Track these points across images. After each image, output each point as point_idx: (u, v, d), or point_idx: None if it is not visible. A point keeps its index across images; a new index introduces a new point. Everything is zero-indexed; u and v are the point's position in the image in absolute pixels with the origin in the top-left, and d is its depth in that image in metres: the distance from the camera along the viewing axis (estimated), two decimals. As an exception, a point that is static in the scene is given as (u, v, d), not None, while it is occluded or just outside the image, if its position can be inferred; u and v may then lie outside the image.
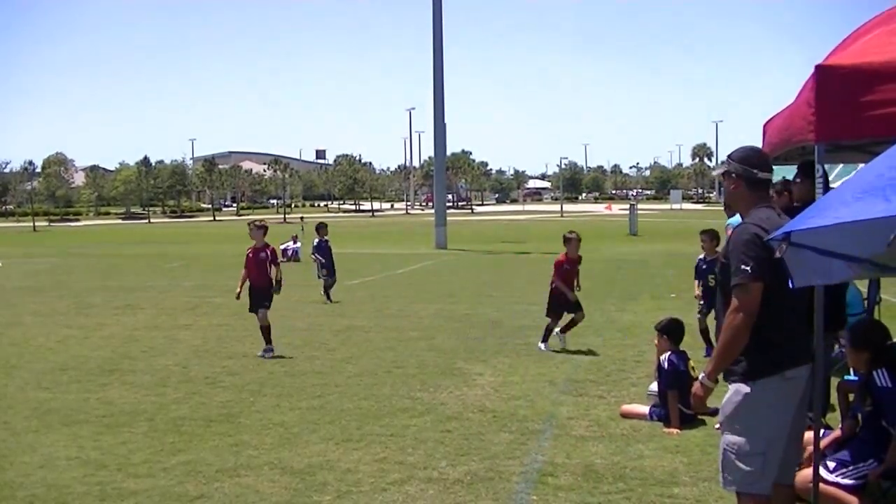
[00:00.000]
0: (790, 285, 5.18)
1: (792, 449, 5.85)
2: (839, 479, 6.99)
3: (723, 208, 13.38)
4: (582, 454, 9.28)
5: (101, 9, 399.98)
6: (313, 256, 25.85)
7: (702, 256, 15.08)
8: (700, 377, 5.86)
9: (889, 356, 7.46)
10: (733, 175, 5.92)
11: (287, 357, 15.42)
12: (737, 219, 12.24)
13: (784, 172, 14.09)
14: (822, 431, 6.99)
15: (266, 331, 15.72)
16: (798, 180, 9.08)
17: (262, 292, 15.91)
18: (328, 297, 24.64)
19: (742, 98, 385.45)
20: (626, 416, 10.81)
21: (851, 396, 8.19)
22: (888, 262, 5.38)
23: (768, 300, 5.48)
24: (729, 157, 6.04)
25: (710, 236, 14.93)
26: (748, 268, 5.46)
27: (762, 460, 5.59)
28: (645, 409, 10.80)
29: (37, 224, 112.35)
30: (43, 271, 38.94)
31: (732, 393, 5.71)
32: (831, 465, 7.10)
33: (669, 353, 10.92)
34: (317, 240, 25.64)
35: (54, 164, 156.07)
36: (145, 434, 10.42)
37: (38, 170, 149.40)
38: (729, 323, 5.53)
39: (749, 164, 5.86)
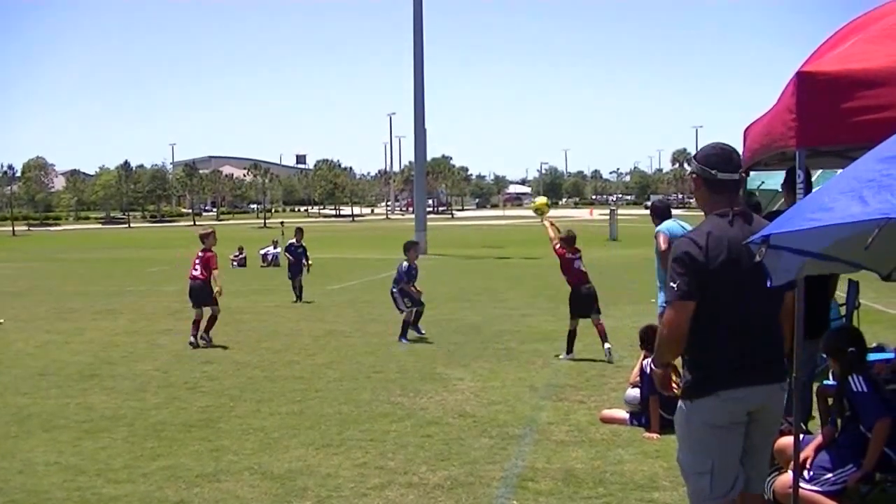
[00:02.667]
0: (768, 285, 5.08)
1: (756, 463, 5.63)
2: (816, 488, 7.01)
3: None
4: (562, 459, 9.29)
5: (82, 13, 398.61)
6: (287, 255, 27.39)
7: (406, 264, 18.43)
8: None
9: (863, 361, 7.50)
10: (694, 175, 5.64)
11: (267, 362, 15.40)
12: (664, 226, 12.30)
13: (764, 178, 14.19)
14: (801, 437, 7.01)
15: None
16: (781, 189, 9.15)
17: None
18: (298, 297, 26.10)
19: (722, 103, 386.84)
20: (605, 421, 10.82)
21: (831, 401, 8.21)
22: (864, 263, 5.40)
23: (697, 320, 5.27)
24: (693, 156, 5.75)
25: (416, 249, 18.40)
26: (675, 286, 5.27)
27: (709, 479, 5.39)
28: (625, 415, 10.81)
29: (16, 229, 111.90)
30: (22, 276, 38.79)
31: (677, 410, 5.61)
32: (807, 474, 7.11)
33: (651, 358, 10.92)
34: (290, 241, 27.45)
35: (34, 168, 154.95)
36: (125, 439, 10.39)
37: (18, 174, 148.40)
38: (658, 336, 5.51)
39: (708, 164, 5.52)
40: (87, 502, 8.19)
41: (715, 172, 5.48)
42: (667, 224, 12.16)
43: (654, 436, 10.14)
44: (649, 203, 14.42)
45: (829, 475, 7.08)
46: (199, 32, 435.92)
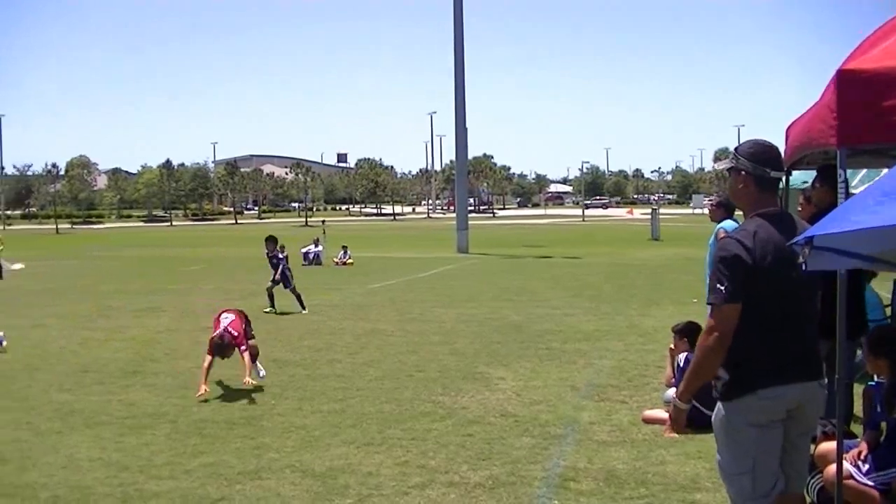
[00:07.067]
0: (803, 269, 4.98)
1: (795, 462, 5.52)
2: (868, 480, 6.93)
3: (709, 210, 13.39)
4: (604, 459, 9.26)
5: (124, 12, 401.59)
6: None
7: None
8: (673, 398, 5.72)
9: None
10: (742, 172, 5.41)
11: (309, 360, 15.46)
12: (728, 224, 12.23)
13: (807, 177, 14.07)
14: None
15: None
16: (817, 185, 9.06)
17: None
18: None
19: (764, 102, 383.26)
20: (647, 421, 10.75)
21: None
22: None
23: (738, 320, 5.16)
24: (736, 150, 5.50)
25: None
26: (723, 288, 5.13)
27: (750, 479, 5.31)
28: (666, 415, 10.73)
29: (59, 227, 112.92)
30: (65, 274, 39.09)
31: (715, 412, 5.50)
32: (864, 467, 7.03)
33: (687, 353, 10.85)
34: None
35: (77, 166, 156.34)
36: (167, 436, 10.46)
37: (62, 172, 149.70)
38: (701, 343, 5.25)
39: (760, 161, 5.35)
40: (129, 498, 8.25)
41: (768, 170, 5.36)
42: (729, 222, 12.19)
43: (675, 434, 10.09)
44: (714, 199, 14.13)
45: (874, 476, 7.01)
46: (241, 32, 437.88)
